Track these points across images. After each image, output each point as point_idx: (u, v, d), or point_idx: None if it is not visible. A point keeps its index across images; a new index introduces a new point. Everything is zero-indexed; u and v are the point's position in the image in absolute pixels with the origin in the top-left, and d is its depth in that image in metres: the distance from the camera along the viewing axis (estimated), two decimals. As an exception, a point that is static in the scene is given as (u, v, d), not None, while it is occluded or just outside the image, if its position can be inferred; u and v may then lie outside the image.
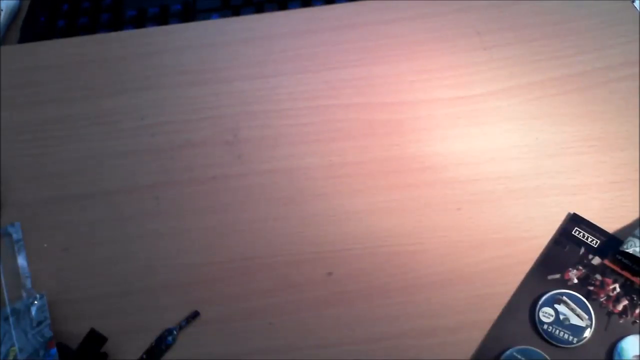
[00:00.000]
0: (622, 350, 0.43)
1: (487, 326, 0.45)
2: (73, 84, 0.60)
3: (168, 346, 0.46)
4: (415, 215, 0.50)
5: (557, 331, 0.44)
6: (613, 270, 0.46)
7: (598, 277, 0.46)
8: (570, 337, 0.44)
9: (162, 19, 0.66)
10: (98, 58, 0.61)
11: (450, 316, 0.46)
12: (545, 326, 0.44)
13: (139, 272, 0.49)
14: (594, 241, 0.48)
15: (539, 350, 0.43)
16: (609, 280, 0.46)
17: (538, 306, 0.45)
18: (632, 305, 0.45)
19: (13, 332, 0.46)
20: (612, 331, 0.44)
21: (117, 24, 0.67)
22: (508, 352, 0.44)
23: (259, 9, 0.66)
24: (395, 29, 0.60)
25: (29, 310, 0.47)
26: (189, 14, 0.66)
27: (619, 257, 0.47)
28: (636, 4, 0.60)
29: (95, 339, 0.45)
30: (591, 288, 0.46)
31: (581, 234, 0.48)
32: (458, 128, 0.54)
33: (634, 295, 0.45)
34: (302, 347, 0.46)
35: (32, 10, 0.69)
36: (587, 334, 0.44)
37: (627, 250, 0.45)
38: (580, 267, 0.47)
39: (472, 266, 0.48)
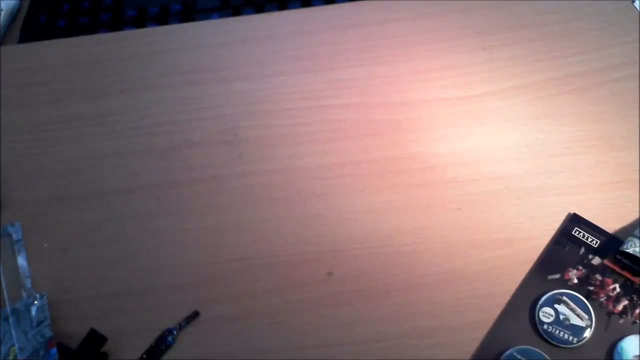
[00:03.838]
0: (622, 350, 0.43)
1: (487, 326, 0.45)
2: (73, 84, 0.60)
3: (168, 346, 0.46)
4: (415, 215, 0.50)
5: (557, 331, 0.44)
6: (613, 270, 0.46)
7: (598, 277, 0.46)
8: (570, 337, 0.44)
9: (162, 18, 0.66)
10: (98, 58, 0.61)
11: (450, 316, 0.46)
12: (545, 326, 0.44)
13: (139, 272, 0.49)
14: (594, 241, 0.48)
15: (539, 350, 0.43)
16: (609, 280, 0.46)
17: (538, 306, 0.45)
18: (632, 305, 0.45)
19: (13, 332, 0.46)
20: (612, 331, 0.44)
21: (117, 24, 0.67)
22: (508, 352, 0.44)
23: (259, 9, 0.66)
24: (395, 29, 0.61)
25: (29, 310, 0.47)
26: (189, 14, 0.66)
27: (619, 257, 0.47)
28: (636, 4, 0.60)
29: (95, 339, 0.45)
30: (591, 288, 0.46)
31: (581, 234, 0.48)
32: (458, 128, 0.54)
33: (634, 295, 0.45)
34: (302, 347, 0.46)
35: (32, 10, 0.69)
36: (587, 334, 0.44)
37: (627, 250, 0.45)
38: (580, 267, 0.47)
39: (472, 266, 0.48)
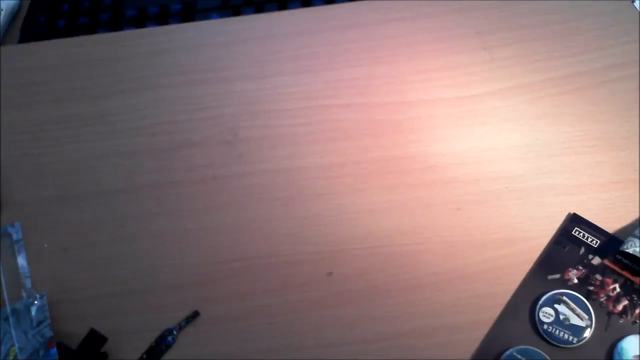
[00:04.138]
0: (622, 350, 0.43)
1: (487, 326, 0.45)
2: (73, 84, 0.60)
3: (168, 346, 0.46)
4: (415, 215, 0.50)
5: (557, 331, 0.44)
6: (613, 270, 0.46)
7: (598, 277, 0.46)
8: (570, 337, 0.44)
9: (162, 18, 0.66)
10: (98, 58, 0.61)
11: (450, 316, 0.46)
12: (545, 326, 0.44)
13: (139, 272, 0.49)
14: (594, 241, 0.48)
15: (539, 350, 0.43)
16: (609, 280, 0.46)
17: (538, 306, 0.45)
18: (632, 305, 0.45)
19: (13, 332, 0.46)
20: (612, 331, 0.44)
21: (117, 24, 0.67)
22: (508, 352, 0.44)
23: (259, 9, 0.66)
24: (395, 29, 0.61)
25: (29, 310, 0.47)
26: (189, 14, 0.66)
27: (619, 257, 0.47)
28: (636, 4, 0.60)
29: (95, 339, 0.45)
30: (591, 288, 0.46)
31: (581, 234, 0.48)
32: (458, 128, 0.54)
33: (634, 295, 0.45)
34: (302, 347, 0.46)
35: (32, 10, 0.69)
36: (587, 334, 0.44)
37: (627, 250, 0.45)
38: (580, 267, 0.47)
39: (472, 266, 0.48)
